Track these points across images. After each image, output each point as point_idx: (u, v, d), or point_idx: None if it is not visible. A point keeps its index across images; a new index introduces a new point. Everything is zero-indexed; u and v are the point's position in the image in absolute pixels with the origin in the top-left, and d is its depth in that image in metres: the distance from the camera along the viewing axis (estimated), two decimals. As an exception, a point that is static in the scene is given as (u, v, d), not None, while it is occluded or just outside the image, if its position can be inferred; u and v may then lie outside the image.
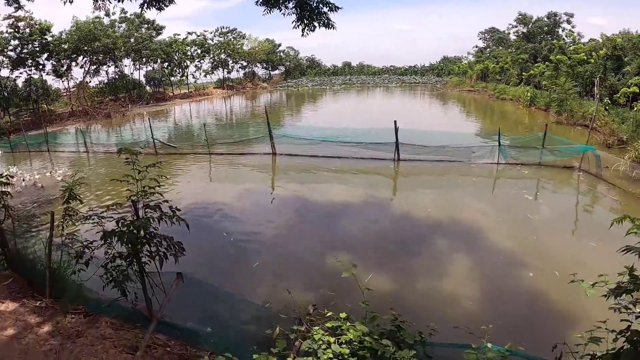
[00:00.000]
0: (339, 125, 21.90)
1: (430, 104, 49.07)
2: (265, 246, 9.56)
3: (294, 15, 9.10)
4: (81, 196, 6.65)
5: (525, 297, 7.25)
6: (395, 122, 16.06)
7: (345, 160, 17.40)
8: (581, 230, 10.42)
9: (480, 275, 7.97)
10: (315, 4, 8.93)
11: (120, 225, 4.60)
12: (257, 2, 9.08)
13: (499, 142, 16.21)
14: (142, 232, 4.57)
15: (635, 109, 19.26)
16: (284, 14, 9.16)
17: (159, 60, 60.15)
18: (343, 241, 9.72)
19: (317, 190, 13.67)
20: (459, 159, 16.53)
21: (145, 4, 8.18)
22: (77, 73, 67.74)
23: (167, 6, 8.38)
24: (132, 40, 52.07)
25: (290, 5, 9.11)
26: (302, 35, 9.20)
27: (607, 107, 23.34)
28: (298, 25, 9.14)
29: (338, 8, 8.93)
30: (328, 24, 9.14)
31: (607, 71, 29.32)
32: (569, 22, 50.57)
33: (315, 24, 9.12)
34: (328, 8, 8.93)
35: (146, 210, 4.62)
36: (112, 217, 5.07)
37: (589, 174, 14.86)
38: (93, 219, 5.35)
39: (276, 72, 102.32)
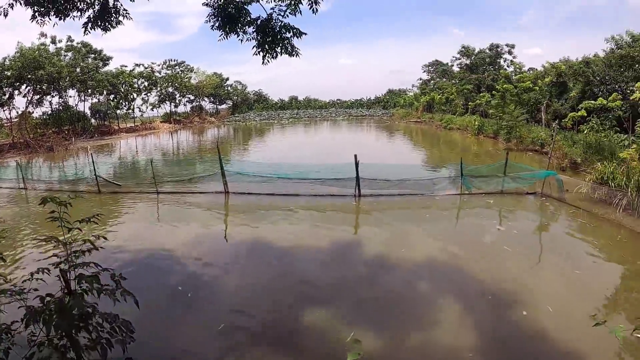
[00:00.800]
0: (292, 161, 20.94)
1: (380, 136, 49.65)
2: (228, 301, 8.31)
3: (254, 40, 8.39)
4: (3, 255, 5.34)
5: (527, 341, 6.57)
6: (355, 156, 15.40)
7: (304, 198, 16.41)
8: (560, 258, 10.01)
9: (473, 321, 7.22)
10: (278, 29, 8.21)
11: (45, 304, 3.46)
12: (212, 26, 8.26)
13: (462, 173, 16.00)
14: (75, 311, 3.45)
15: (585, 132, 19.91)
16: (241, 40, 8.41)
17: (105, 92, 57.48)
18: (313, 292, 8.60)
19: (276, 233, 12.41)
20: (422, 192, 16.14)
21: (90, 24, 7.18)
22: (20, 102, 63.88)
23: (113, 27, 7.42)
24: (77, 70, 49.37)
25: (250, 30, 8.37)
26: (263, 62, 8.48)
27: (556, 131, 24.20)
28: (259, 52, 8.39)
29: (303, 34, 8.23)
30: (292, 51, 8.43)
31: (552, 97, 30.74)
32: (510, 52, 53.45)
33: (278, 50, 8.40)
34: (292, 33, 8.22)
35: (81, 281, 3.51)
36: (37, 289, 3.90)
37: (552, 199, 14.91)
38: (9, 294, 4.08)
39: (223, 106, 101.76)
